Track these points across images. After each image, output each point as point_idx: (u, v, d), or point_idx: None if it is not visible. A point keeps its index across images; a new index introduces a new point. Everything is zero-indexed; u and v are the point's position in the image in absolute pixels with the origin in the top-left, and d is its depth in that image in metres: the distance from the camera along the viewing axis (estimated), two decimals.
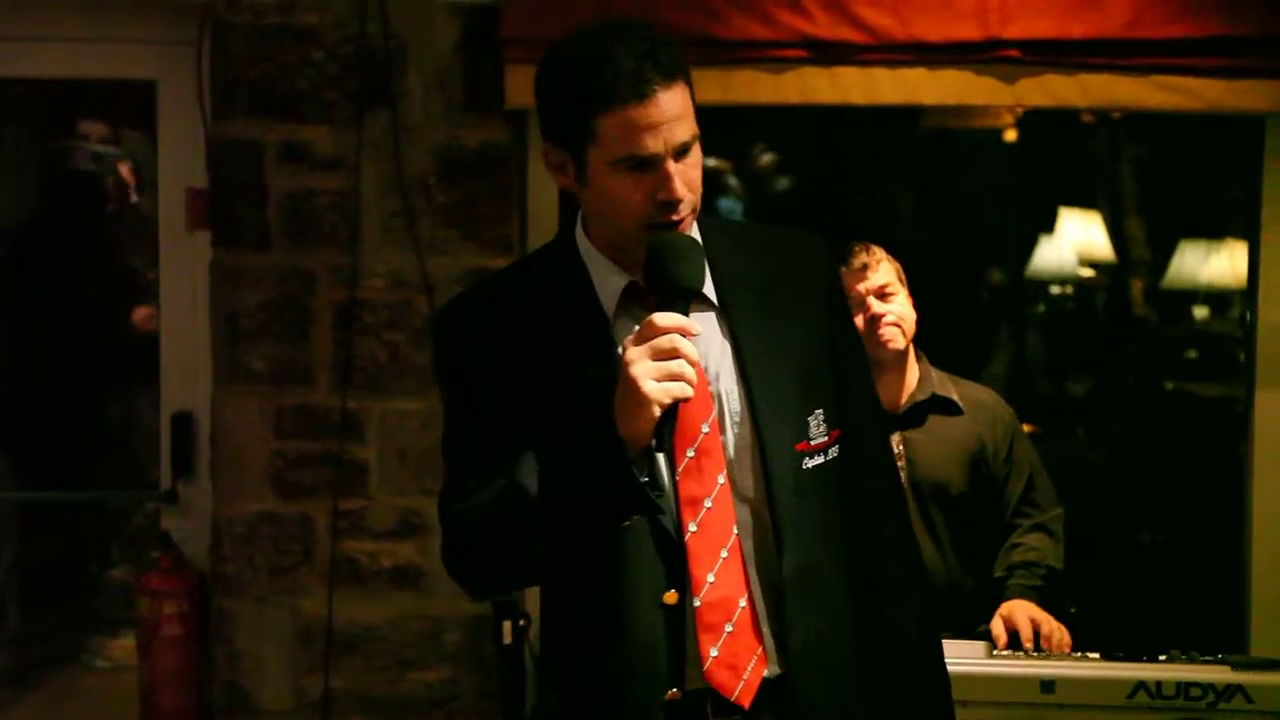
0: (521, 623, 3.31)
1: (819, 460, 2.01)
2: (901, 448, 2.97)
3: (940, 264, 4.96)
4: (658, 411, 1.82)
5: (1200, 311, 5.37)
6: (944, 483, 2.99)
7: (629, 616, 1.95)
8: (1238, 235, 4.93)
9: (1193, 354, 5.46)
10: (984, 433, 3.03)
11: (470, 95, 3.46)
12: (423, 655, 3.50)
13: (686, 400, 1.85)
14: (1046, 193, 5.53)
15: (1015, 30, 3.28)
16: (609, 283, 2.00)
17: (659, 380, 1.82)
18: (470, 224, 3.48)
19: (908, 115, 5.14)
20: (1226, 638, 3.50)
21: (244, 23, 3.45)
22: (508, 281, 2.09)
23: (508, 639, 3.28)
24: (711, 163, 5.36)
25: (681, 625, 1.95)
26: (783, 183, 5.74)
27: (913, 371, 3.04)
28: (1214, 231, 5.14)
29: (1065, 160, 5.61)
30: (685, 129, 1.91)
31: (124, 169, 4.31)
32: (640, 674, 1.95)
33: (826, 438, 2.02)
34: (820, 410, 2.02)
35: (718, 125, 4.63)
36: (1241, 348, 3.74)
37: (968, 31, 3.30)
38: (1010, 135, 5.44)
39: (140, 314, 4.13)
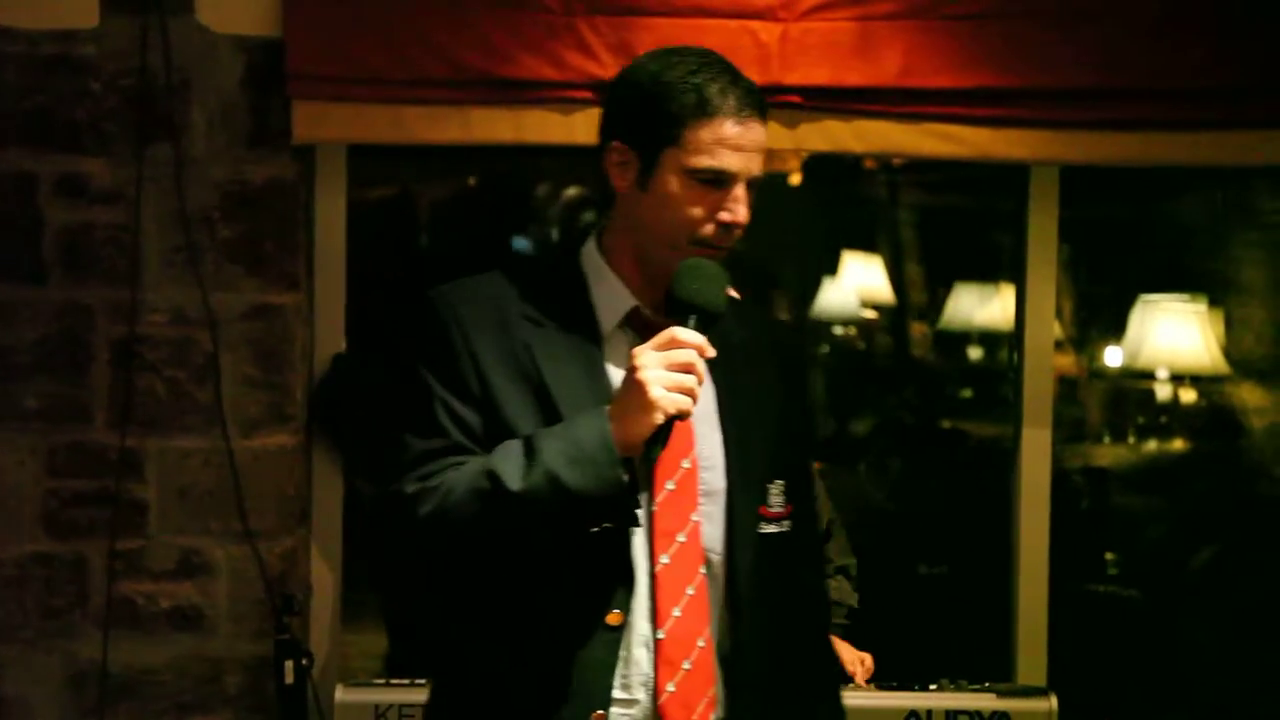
0: (304, 661, 3.28)
1: (774, 529, 2.05)
2: None
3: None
4: (659, 419, 1.84)
5: (975, 352, 5.55)
6: None
7: (570, 630, 1.94)
8: (1009, 279, 5.12)
9: (968, 393, 5.64)
10: None
11: (256, 130, 3.42)
12: (203, 698, 3.43)
13: (687, 417, 1.87)
14: (831, 236, 5.67)
15: (795, 77, 3.38)
16: (613, 302, 2.02)
17: (668, 389, 1.84)
18: (256, 259, 3.44)
19: None
20: (994, 666, 3.63)
21: (18, 52, 3.37)
22: (501, 283, 2.06)
23: (290, 678, 3.23)
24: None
25: (619, 648, 1.95)
26: (588, 216, 5.76)
27: None
28: (987, 275, 5.33)
29: (849, 205, 5.76)
30: (761, 166, 1.99)
31: None
32: (572, 690, 1.94)
33: (782, 510, 2.06)
34: (781, 482, 2.06)
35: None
36: (1011, 387, 3.89)
37: (750, 77, 3.37)
38: (795, 179, 5.57)
39: None
